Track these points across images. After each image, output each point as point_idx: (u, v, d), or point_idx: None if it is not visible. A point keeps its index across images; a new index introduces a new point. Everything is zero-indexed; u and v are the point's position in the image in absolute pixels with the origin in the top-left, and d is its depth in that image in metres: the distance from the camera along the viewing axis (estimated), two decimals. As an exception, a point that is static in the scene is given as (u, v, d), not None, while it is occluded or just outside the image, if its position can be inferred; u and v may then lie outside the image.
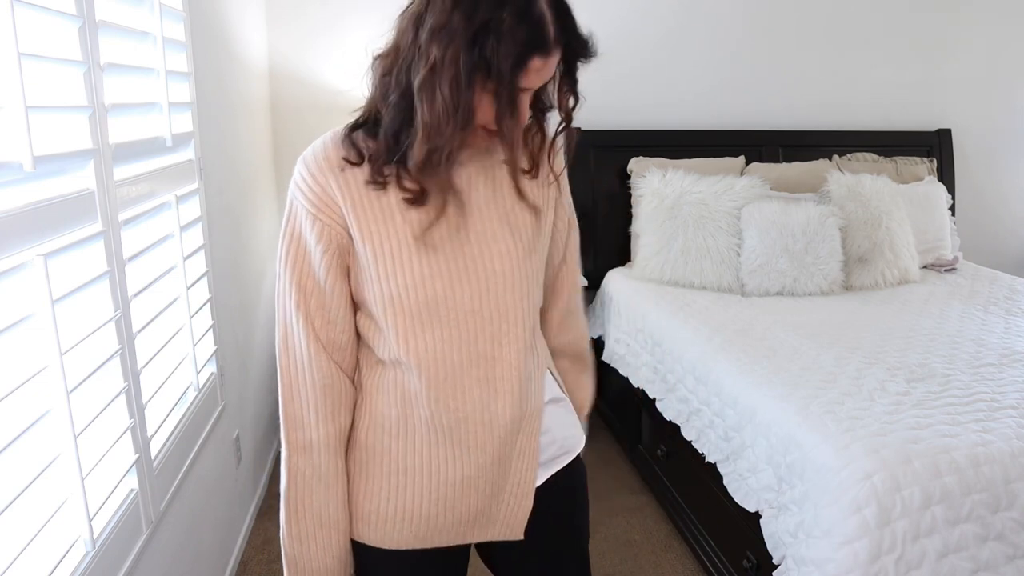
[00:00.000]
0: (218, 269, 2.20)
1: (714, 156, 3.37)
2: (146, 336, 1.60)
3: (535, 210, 1.08)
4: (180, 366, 1.82)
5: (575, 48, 0.97)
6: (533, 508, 1.13)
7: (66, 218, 1.23)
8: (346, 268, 1.04)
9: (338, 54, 3.25)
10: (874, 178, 3.15)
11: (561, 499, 1.19)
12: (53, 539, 1.18)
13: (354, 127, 1.04)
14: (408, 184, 1.00)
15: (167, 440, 1.70)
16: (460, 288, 1.02)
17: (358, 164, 1.00)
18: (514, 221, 1.06)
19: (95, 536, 1.29)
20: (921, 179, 3.47)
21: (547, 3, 0.92)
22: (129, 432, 1.47)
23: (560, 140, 1.09)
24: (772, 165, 3.36)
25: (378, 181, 0.99)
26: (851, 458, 1.65)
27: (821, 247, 2.90)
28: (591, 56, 1.00)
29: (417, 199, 0.99)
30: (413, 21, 0.98)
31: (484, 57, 0.90)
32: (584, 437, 1.25)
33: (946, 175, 3.69)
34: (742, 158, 3.39)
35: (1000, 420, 1.81)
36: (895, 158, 3.53)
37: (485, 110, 0.95)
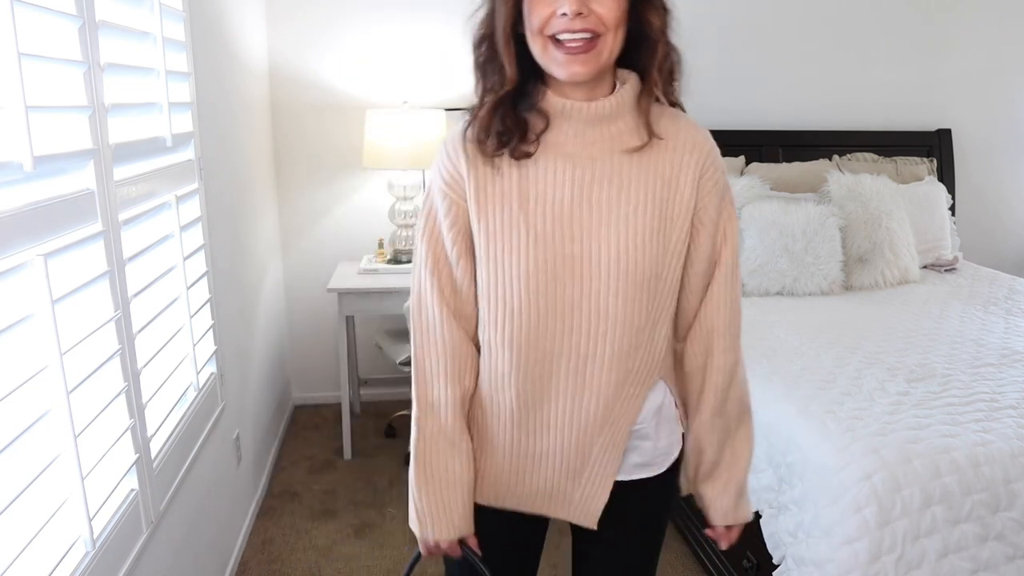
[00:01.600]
0: (218, 269, 2.20)
1: (714, 156, 3.37)
2: (146, 336, 1.60)
3: (665, 198, 1.05)
4: (180, 366, 1.82)
5: None
6: (616, 499, 1.16)
7: (66, 218, 1.23)
8: (471, 248, 1.09)
9: (338, 54, 3.25)
10: (874, 178, 3.15)
11: (647, 500, 1.21)
12: (53, 539, 1.18)
13: (474, 114, 1.07)
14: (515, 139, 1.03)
15: (167, 440, 1.70)
16: (560, 284, 1.04)
17: (485, 140, 1.04)
18: (636, 216, 1.04)
19: (95, 536, 1.29)
20: (921, 179, 3.47)
21: None
22: (129, 432, 1.47)
23: (667, 68, 1.05)
24: (772, 165, 3.36)
25: (493, 147, 1.03)
26: (851, 458, 1.66)
27: (821, 247, 2.90)
28: None
29: (519, 149, 1.02)
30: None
31: None
32: (680, 445, 1.21)
33: (946, 175, 3.69)
34: (742, 158, 3.39)
35: (1000, 420, 1.81)
36: (895, 158, 3.53)
37: (531, 12, 0.97)
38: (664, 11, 1.03)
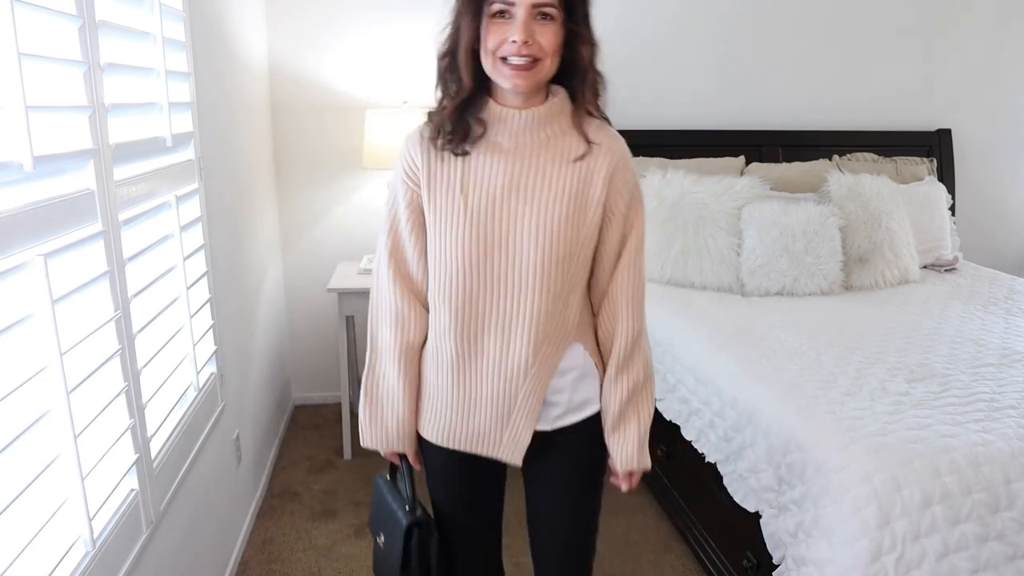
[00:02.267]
0: (218, 269, 2.20)
1: (714, 156, 3.37)
2: (146, 336, 1.60)
3: (581, 193, 1.27)
4: (180, 366, 1.82)
5: None
6: (547, 446, 1.37)
7: (66, 218, 1.23)
8: (422, 223, 1.33)
9: (338, 54, 3.25)
10: (874, 178, 3.14)
11: (572, 445, 1.40)
12: (53, 539, 1.18)
13: (431, 114, 1.30)
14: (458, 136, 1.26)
15: (167, 440, 1.70)
16: (488, 256, 1.26)
17: (436, 136, 1.27)
18: (554, 207, 1.26)
19: (95, 536, 1.29)
20: (921, 179, 3.47)
21: None
22: (129, 432, 1.47)
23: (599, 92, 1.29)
24: (772, 165, 3.36)
25: (442, 144, 1.26)
26: (851, 458, 1.66)
27: (821, 247, 2.90)
28: (583, 8, 1.23)
29: (457, 148, 1.25)
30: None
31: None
32: (598, 401, 1.39)
33: (946, 175, 3.69)
34: (742, 158, 3.39)
35: (1000, 420, 1.81)
36: (895, 158, 3.53)
37: (488, 37, 1.19)
38: (592, 45, 1.26)
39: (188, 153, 1.98)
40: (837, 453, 1.68)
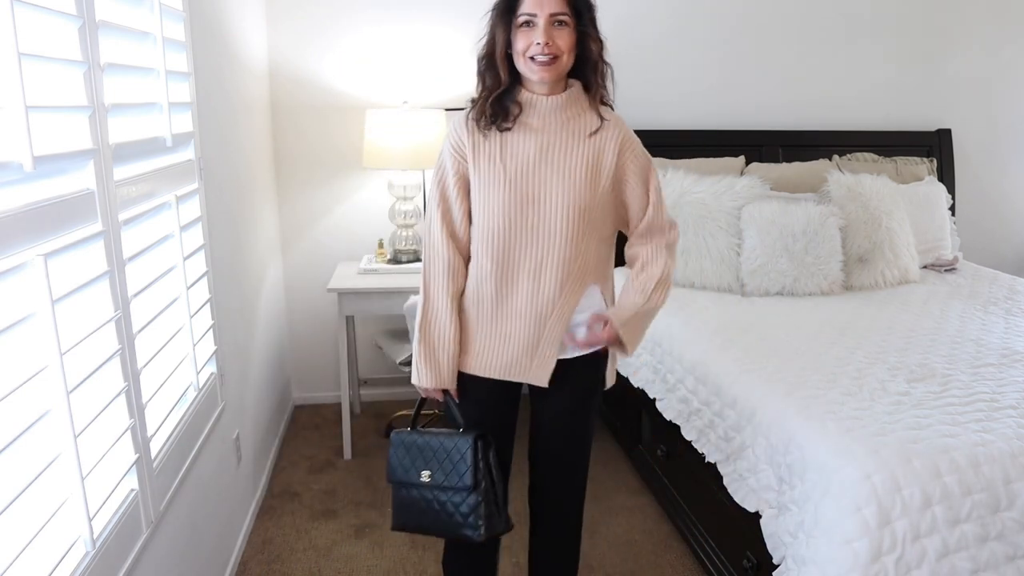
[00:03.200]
0: (218, 269, 2.20)
1: (714, 156, 3.37)
2: (146, 336, 1.60)
3: (595, 162, 1.59)
4: (180, 366, 1.82)
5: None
6: (563, 373, 1.65)
7: (66, 218, 1.23)
8: (466, 188, 1.64)
9: (338, 54, 3.26)
10: (874, 178, 3.15)
11: (584, 373, 1.69)
12: (53, 539, 1.18)
13: (474, 100, 1.63)
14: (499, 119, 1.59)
15: (167, 440, 1.70)
16: (523, 212, 1.58)
17: (479, 120, 1.59)
18: (575, 172, 1.58)
19: (95, 536, 1.29)
20: (921, 179, 3.47)
21: None
22: (129, 432, 1.47)
23: (606, 81, 1.61)
24: (772, 165, 3.36)
25: (485, 124, 1.58)
26: (851, 458, 1.66)
27: (821, 247, 2.90)
28: (589, 13, 1.55)
29: (501, 125, 1.58)
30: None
31: (498, 6, 1.55)
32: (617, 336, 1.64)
33: (946, 175, 3.69)
34: (742, 158, 3.39)
35: (1000, 420, 1.81)
36: (895, 158, 3.53)
37: (517, 41, 1.53)
38: (599, 42, 1.58)
39: (188, 153, 1.98)
40: (837, 453, 1.68)
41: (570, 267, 1.60)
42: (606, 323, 1.62)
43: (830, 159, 3.44)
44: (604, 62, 1.59)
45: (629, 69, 3.46)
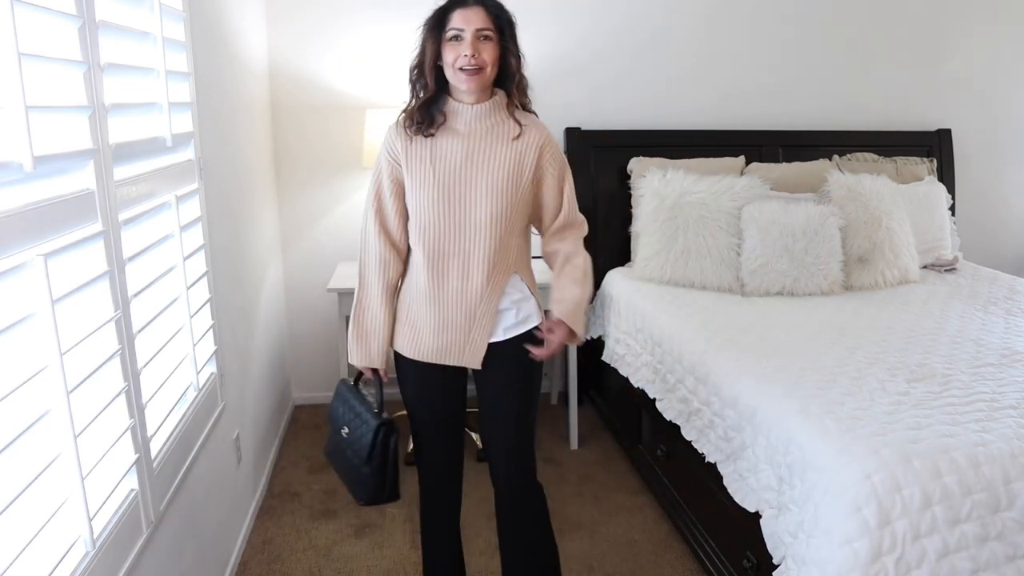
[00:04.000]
0: (218, 269, 2.20)
1: (714, 156, 3.37)
2: (146, 336, 1.60)
3: (517, 164, 1.73)
4: (180, 366, 1.82)
5: (496, 11, 1.66)
6: (498, 354, 1.79)
7: (66, 218, 1.23)
8: (399, 190, 1.78)
9: (338, 54, 3.26)
10: (874, 178, 3.14)
11: (518, 350, 1.80)
12: (53, 539, 1.18)
13: (406, 109, 1.76)
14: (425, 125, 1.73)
15: (167, 440, 1.70)
16: (451, 210, 1.72)
17: (409, 125, 1.73)
18: (497, 173, 1.72)
19: (95, 536, 1.29)
20: (921, 179, 3.47)
21: None
22: (129, 432, 1.47)
23: (525, 92, 1.77)
24: (772, 165, 3.36)
25: (414, 130, 1.72)
26: (851, 458, 1.66)
27: (821, 247, 2.90)
28: (510, 31, 1.68)
29: (426, 131, 1.72)
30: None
31: (429, 22, 1.70)
32: (538, 318, 1.83)
33: (946, 175, 3.69)
34: (742, 158, 3.39)
35: (1000, 420, 1.81)
36: (895, 158, 3.52)
37: (446, 54, 1.66)
38: (518, 57, 1.72)
39: (188, 153, 1.98)
40: (837, 453, 1.68)
41: (495, 259, 1.74)
42: (550, 329, 1.77)
43: (830, 159, 3.44)
44: (522, 75, 1.74)
45: (629, 69, 3.47)
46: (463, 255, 1.73)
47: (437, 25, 1.68)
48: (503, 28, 1.67)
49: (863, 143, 3.57)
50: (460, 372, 1.86)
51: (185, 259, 1.85)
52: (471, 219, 1.71)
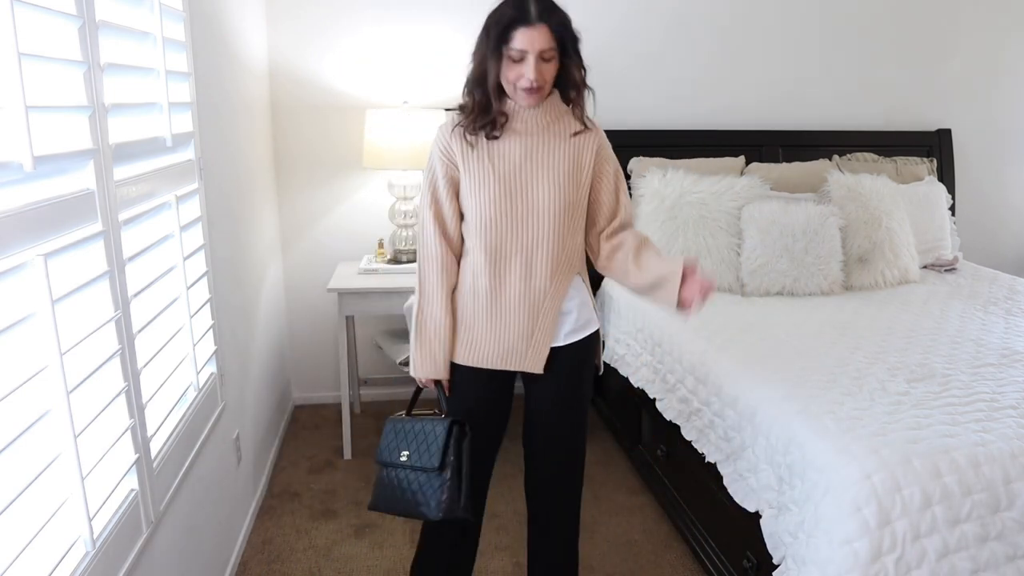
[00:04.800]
0: (218, 269, 2.20)
1: (714, 156, 3.37)
2: (146, 336, 1.60)
3: (576, 160, 1.71)
4: (180, 366, 1.82)
5: (561, 30, 1.58)
6: (556, 359, 1.75)
7: (66, 218, 1.23)
8: (455, 190, 1.74)
9: (338, 54, 3.25)
10: (874, 178, 3.14)
11: (576, 358, 1.79)
12: (53, 539, 1.18)
13: (462, 107, 1.72)
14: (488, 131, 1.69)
15: (167, 440, 1.70)
16: (513, 206, 1.68)
17: (471, 131, 1.69)
18: (558, 169, 1.69)
19: (95, 536, 1.29)
20: (921, 179, 3.47)
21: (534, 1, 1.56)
22: (129, 432, 1.47)
23: (585, 99, 1.72)
24: (772, 165, 3.36)
25: (472, 132, 1.69)
26: (851, 458, 1.66)
27: (821, 247, 2.90)
28: (574, 46, 1.61)
29: (490, 134, 1.68)
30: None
31: (489, 34, 1.59)
32: (596, 323, 1.82)
33: (946, 175, 3.69)
34: (742, 158, 3.39)
35: (1000, 420, 1.81)
36: (895, 158, 3.53)
37: (507, 70, 1.61)
38: (582, 69, 1.66)
39: (188, 153, 1.98)
40: (837, 453, 1.68)
41: (558, 258, 1.71)
42: (682, 284, 1.66)
43: (830, 159, 3.44)
44: (586, 86, 1.69)
45: (629, 69, 3.47)
46: (526, 253, 1.69)
47: (500, 42, 1.59)
48: (566, 46, 1.61)
49: (863, 143, 3.57)
50: (509, 385, 1.82)
51: (185, 259, 1.85)
52: (534, 215, 1.68)
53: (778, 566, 1.79)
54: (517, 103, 1.67)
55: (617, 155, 3.41)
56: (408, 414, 1.79)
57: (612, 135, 3.39)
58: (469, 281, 1.74)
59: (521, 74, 1.59)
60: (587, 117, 1.74)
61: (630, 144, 3.38)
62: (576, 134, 1.71)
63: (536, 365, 1.74)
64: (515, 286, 1.71)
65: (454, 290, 1.77)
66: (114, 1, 1.52)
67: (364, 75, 3.28)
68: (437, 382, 1.77)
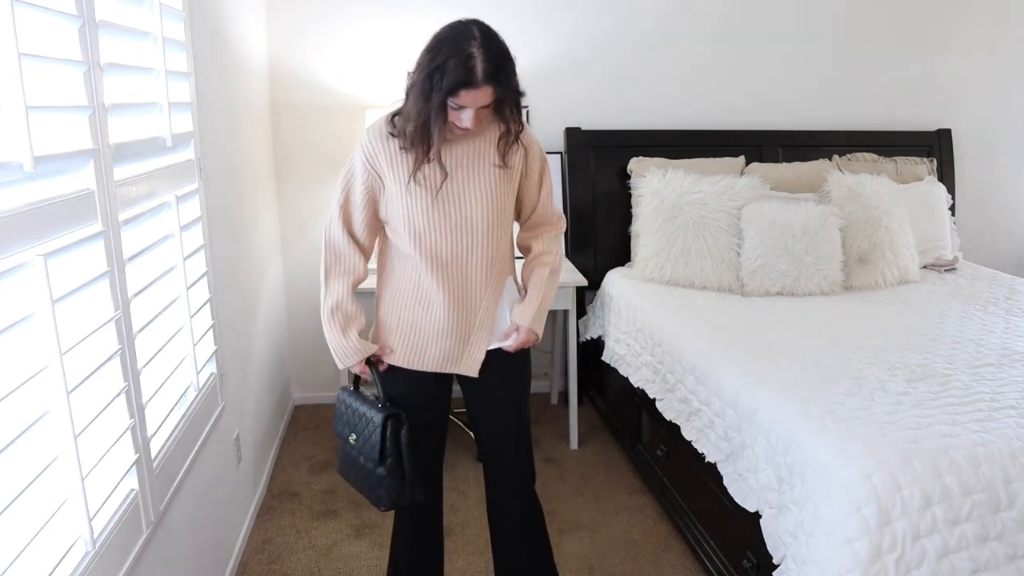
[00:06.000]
0: (218, 269, 2.20)
1: (714, 156, 3.37)
2: (146, 336, 1.60)
3: (503, 171, 1.73)
4: (180, 366, 1.82)
5: (504, 90, 1.57)
6: (489, 362, 1.80)
7: (66, 218, 1.23)
8: (371, 200, 1.73)
9: (338, 54, 3.25)
10: (874, 178, 3.14)
11: (510, 361, 1.83)
12: (53, 539, 1.18)
13: (395, 113, 1.68)
14: (419, 152, 1.65)
15: (167, 440, 1.70)
16: (447, 217, 1.69)
17: (395, 136, 1.67)
18: (488, 173, 1.71)
19: (95, 536, 1.29)
20: (921, 179, 3.47)
21: (482, 58, 1.52)
22: (129, 432, 1.47)
23: (521, 133, 1.74)
24: (772, 165, 3.36)
25: (403, 147, 1.66)
26: (851, 458, 1.66)
27: (821, 247, 2.90)
28: (514, 101, 1.62)
29: (420, 159, 1.65)
30: (417, 59, 1.62)
31: (432, 84, 1.55)
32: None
33: (946, 175, 3.69)
34: (742, 158, 3.39)
35: (1000, 420, 1.81)
36: (895, 158, 3.52)
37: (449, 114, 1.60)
38: (518, 108, 1.66)
39: (188, 153, 1.98)
40: (837, 453, 1.68)
41: (492, 262, 1.75)
42: (516, 330, 1.80)
43: (830, 159, 3.44)
44: (519, 115, 1.69)
45: (629, 69, 3.47)
46: (461, 261, 1.72)
47: (443, 98, 1.55)
48: (505, 99, 1.60)
49: (863, 143, 3.57)
50: (448, 382, 1.86)
51: (185, 259, 1.85)
52: (468, 224, 1.70)
53: (778, 566, 1.79)
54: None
55: (617, 155, 3.45)
56: (355, 386, 1.85)
57: (612, 135, 3.44)
58: (405, 285, 1.76)
59: (459, 117, 1.59)
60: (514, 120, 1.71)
61: (630, 144, 3.38)
62: (503, 136, 1.70)
63: (471, 368, 1.79)
64: (451, 292, 1.73)
65: (356, 285, 1.80)
66: (114, 1, 1.52)
67: (363, 75, 3.28)
68: (369, 363, 1.78)
